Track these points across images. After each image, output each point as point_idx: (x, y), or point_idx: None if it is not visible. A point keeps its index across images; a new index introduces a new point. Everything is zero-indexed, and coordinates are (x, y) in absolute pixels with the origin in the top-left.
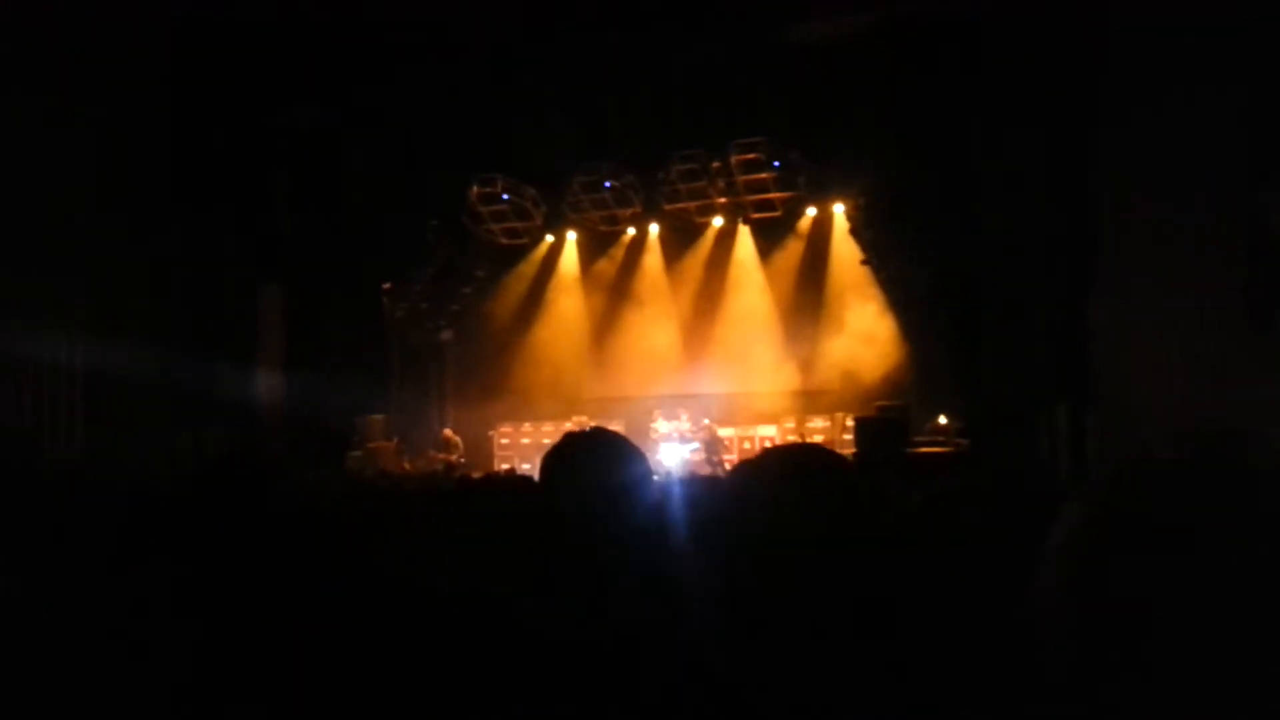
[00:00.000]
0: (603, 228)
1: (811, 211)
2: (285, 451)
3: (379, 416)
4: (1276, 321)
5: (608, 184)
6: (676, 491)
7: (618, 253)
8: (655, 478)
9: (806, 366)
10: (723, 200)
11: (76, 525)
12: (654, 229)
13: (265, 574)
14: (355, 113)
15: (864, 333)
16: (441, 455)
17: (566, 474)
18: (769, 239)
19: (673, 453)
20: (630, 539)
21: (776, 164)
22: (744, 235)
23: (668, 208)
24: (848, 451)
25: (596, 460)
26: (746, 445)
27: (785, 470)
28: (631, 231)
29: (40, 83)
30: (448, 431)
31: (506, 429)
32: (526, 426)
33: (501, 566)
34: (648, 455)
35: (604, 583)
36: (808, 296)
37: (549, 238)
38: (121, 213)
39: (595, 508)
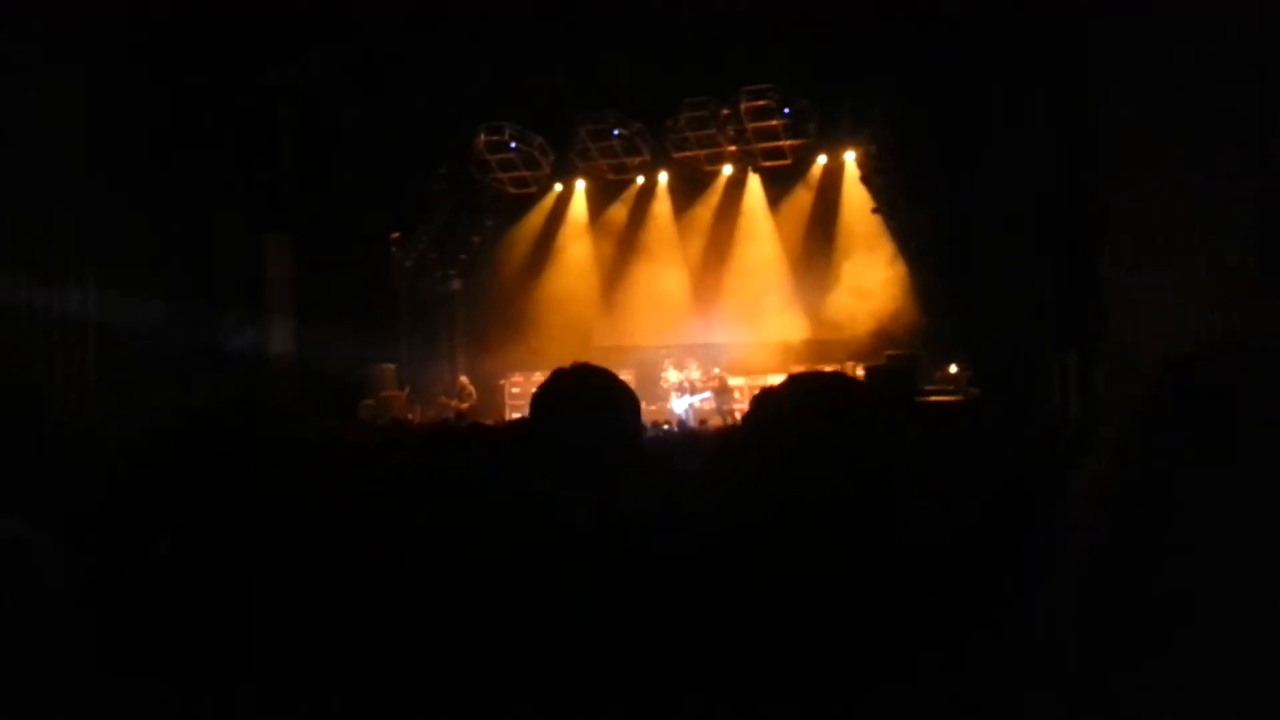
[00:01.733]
0: (611, 176)
1: (822, 159)
2: (297, 401)
3: (390, 366)
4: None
5: (616, 132)
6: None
7: (627, 201)
8: (641, 417)
9: (816, 315)
10: (732, 148)
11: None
12: (663, 177)
13: (265, 514)
14: (361, 62)
15: (874, 281)
16: (454, 402)
17: (553, 410)
18: (779, 187)
19: (683, 402)
20: (615, 476)
21: (786, 111)
22: (753, 183)
23: (676, 156)
24: None
25: (583, 398)
26: (756, 394)
27: (808, 397)
28: (640, 180)
29: (45, 36)
30: (463, 379)
31: (518, 378)
32: (537, 375)
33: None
34: (657, 401)
35: (593, 519)
36: (818, 245)
37: (557, 186)
38: (127, 167)
39: (581, 444)
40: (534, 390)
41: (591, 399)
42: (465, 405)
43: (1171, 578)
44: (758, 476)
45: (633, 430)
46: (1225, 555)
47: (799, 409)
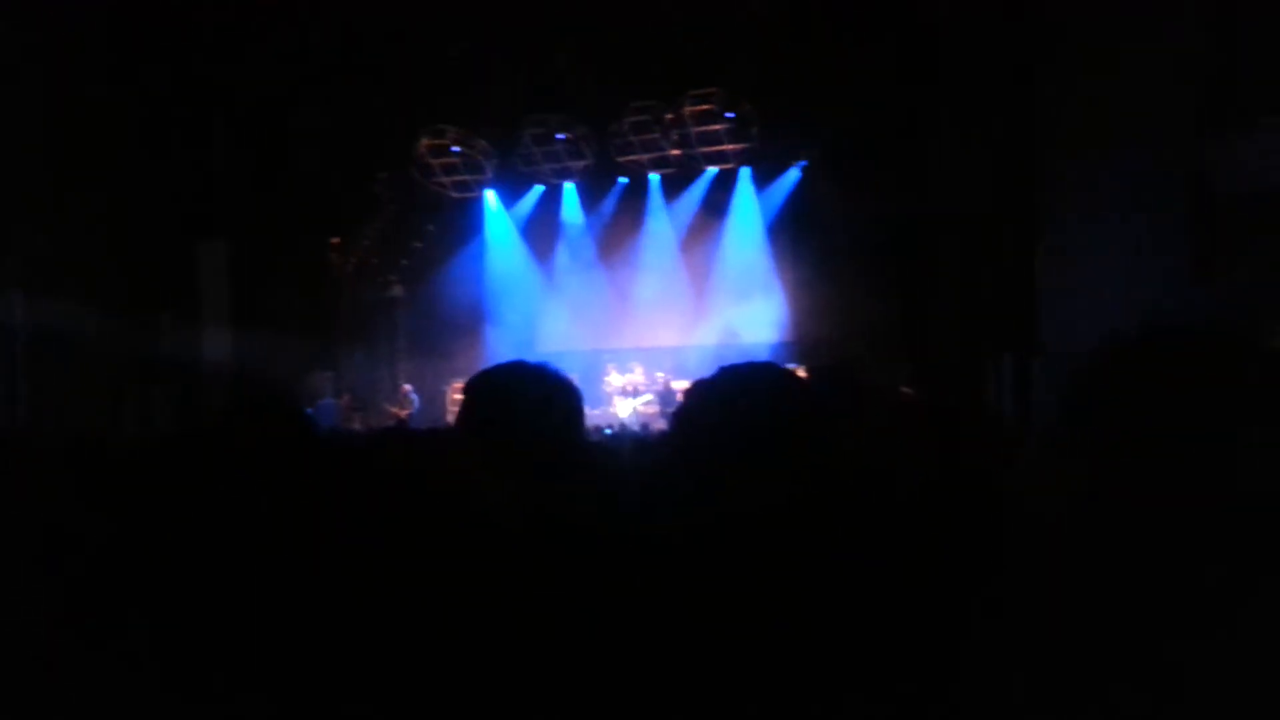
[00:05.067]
0: (552, 180)
1: (764, 162)
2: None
3: (328, 373)
4: (1218, 275)
5: (560, 135)
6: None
7: (570, 205)
8: (582, 412)
9: (759, 318)
10: (676, 152)
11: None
12: (607, 181)
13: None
14: (300, 63)
15: (815, 284)
16: (395, 409)
17: (487, 409)
18: (721, 191)
19: (626, 405)
20: (555, 474)
21: (730, 115)
22: (696, 187)
23: (620, 159)
24: None
25: (518, 393)
26: (688, 387)
27: (740, 387)
28: (580, 184)
29: None
30: (405, 386)
31: (459, 384)
32: None
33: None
34: (600, 405)
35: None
36: (760, 248)
37: (497, 190)
38: (59, 168)
39: (518, 441)
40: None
41: (528, 394)
42: (405, 412)
43: (1113, 571)
44: (693, 471)
45: (574, 426)
46: (1167, 544)
47: (732, 401)
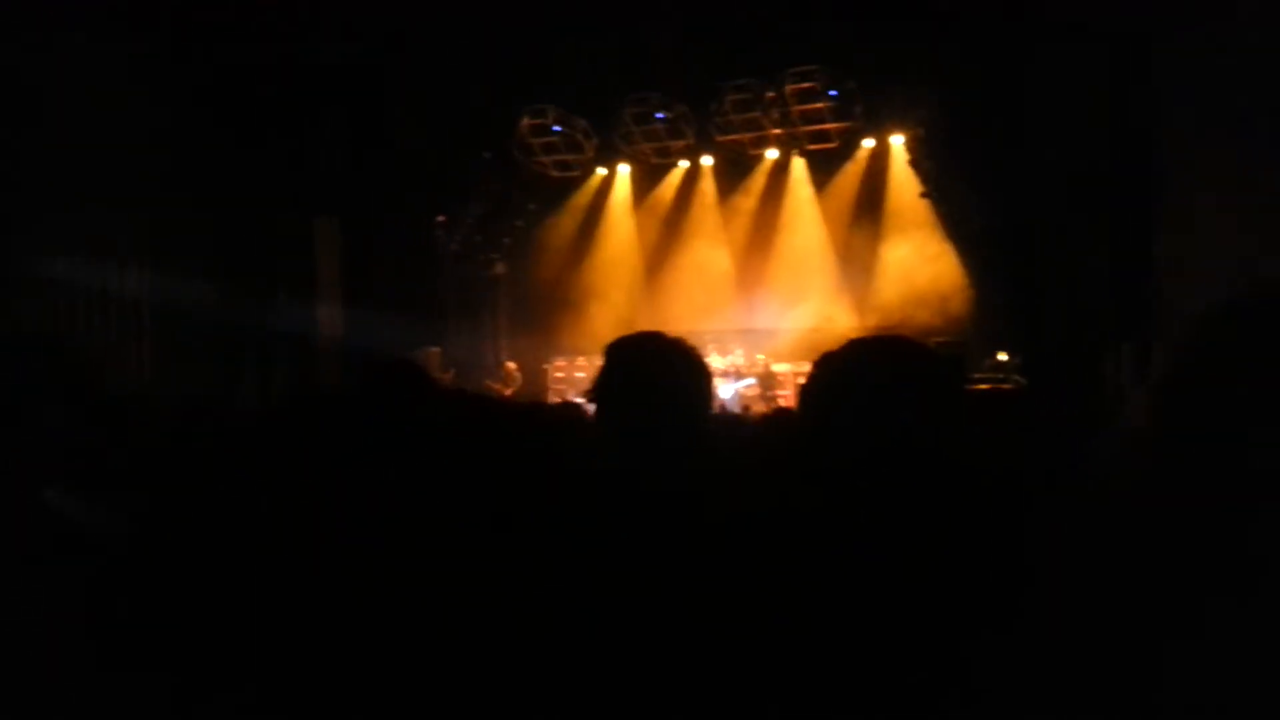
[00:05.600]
0: (654, 160)
1: (869, 143)
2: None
3: (435, 349)
4: None
5: (660, 115)
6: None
7: (670, 185)
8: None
9: (863, 301)
10: (777, 131)
11: (140, 450)
12: (707, 161)
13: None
14: (407, 45)
15: (922, 267)
16: (498, 386)
17: (624, 376)
18: (825, 171)
19: (729, 387)
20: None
21: (833, 93)
22: (799, 167)
23: (720, 139)
24: None
25: (654, 364)
26: (801, 381)
27: (873, 359)
28: (684, 164)
29: (90, 22)
30: (510, 364)
31: (561, 362)
32: (581, 360)
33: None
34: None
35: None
36: (864, 230)
37: (601, 170)
38: (177, 149)
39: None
40: (578, 375)
41: (666, 364)
42: (509, 390)
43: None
44: (826, 439)
45: (705, 400)
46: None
47: (863, 371)
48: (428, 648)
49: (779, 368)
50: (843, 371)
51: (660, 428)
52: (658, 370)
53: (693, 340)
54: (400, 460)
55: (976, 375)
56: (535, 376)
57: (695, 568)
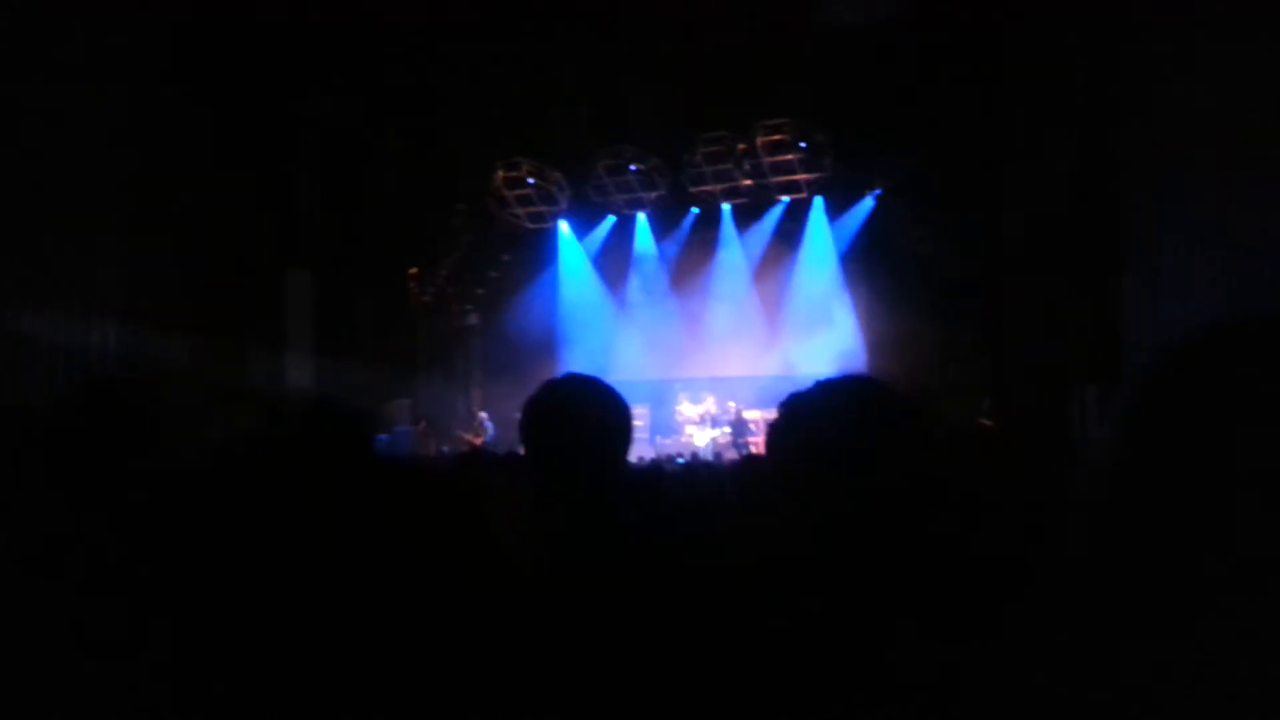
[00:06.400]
0: (626, 211)
1: (838, 193)
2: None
3: (405, 401)
4: None
5: (633, 167)
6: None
7: (643, 235)
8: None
9: (832, 347)
10: (749, 182)
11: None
12: (681, 210)
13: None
14: (381, 98)
15: (890, 313)
16: (469, 436)
17: (544, 421)
18: (794, 220)
19: (704, 435)
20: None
21: (803, 145)
22: (769, 216)
23: (693, 190)
24: None
25: (577, 405)
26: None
27: (841, 400)
28: (651, 213)
29: (68, 71)
30: (481, 414)
31: None
32: None
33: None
34: (672, 434)
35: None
36: (833, 277)
37: (570, 221)
38: (149, 200)
39: (574, 452)
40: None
41: (581, 405)
42: (480, 439)
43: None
44: (793, 484)
45: (624, 438)
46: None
47: (829, 410)
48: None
49: (750, 414)
50: (809, 411)
51: (579, 462)
52: (575, 409)
53: (664, 389)
54: (316, 504)
55: (944, 416)
56: (509, 425)
57: (649, 609)
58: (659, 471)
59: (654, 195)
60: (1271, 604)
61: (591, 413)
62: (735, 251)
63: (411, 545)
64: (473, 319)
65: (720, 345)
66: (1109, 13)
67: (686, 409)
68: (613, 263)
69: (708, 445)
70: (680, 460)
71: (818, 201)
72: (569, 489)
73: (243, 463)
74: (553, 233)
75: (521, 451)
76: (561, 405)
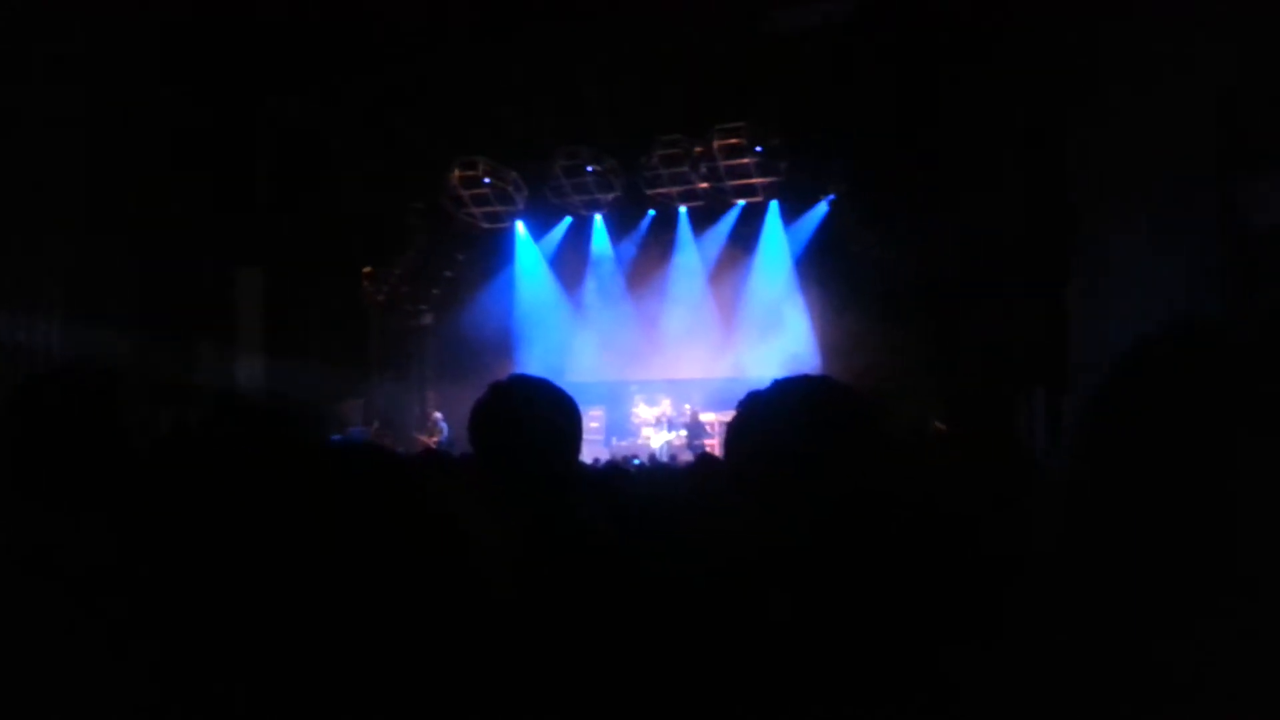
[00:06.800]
0: (583, 211)
1: (793, 197)
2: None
3: (358, 401)
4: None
5: (590, 168)
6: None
7: (599, 236)
8: (580, 427)
9: (787, 350)
10: (704, 185)
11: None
12: (638, 212)
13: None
14: (336, 97)
15: (846, 318)
16: (423, 437)
17: (492, 423)
18: (749, 223)
19: (659, 438)
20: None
21: (759, 149)
22: (725, 220)
23: (649, 192)
24: None
25: (524, 407)
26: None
27: (795, 398)
28: (607, 215)
29: (20, 70)
30: (436, 414)
31: None
32: None
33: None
34: (628, 437)
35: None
36: (787, 280)
37: (526, 221)
38: (99, 195)
39: (522, 456)
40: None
41: (528, 407)
42: (434, 440)
43: (1121, 596)
44: (751, 485)
45: (573, 440)
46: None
47: (789, 414)
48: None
49: (706, 417)
50: (766, 411)
51: (528, 464)
52: (522, 410)
53: (620, 390)
54: (237, 503)
55: (900, 417)
56: (464, 426)
57: (610, 611)
58: (616, 472)
59: (611, 197)
60: (1232, 611)
61: (539, 414)
62: (691, 254)
63: (361, 546)
64: (428, 319)
65: (676, 347)
66: (1061, 22)
67: (642, 411)
68: (569, 264)
69: (663, 447)
70: (637, 462)
71: (773, 205)
72: (519, 490)
73: (179, 458)
74: (509, 233)
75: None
76: (509, 407)
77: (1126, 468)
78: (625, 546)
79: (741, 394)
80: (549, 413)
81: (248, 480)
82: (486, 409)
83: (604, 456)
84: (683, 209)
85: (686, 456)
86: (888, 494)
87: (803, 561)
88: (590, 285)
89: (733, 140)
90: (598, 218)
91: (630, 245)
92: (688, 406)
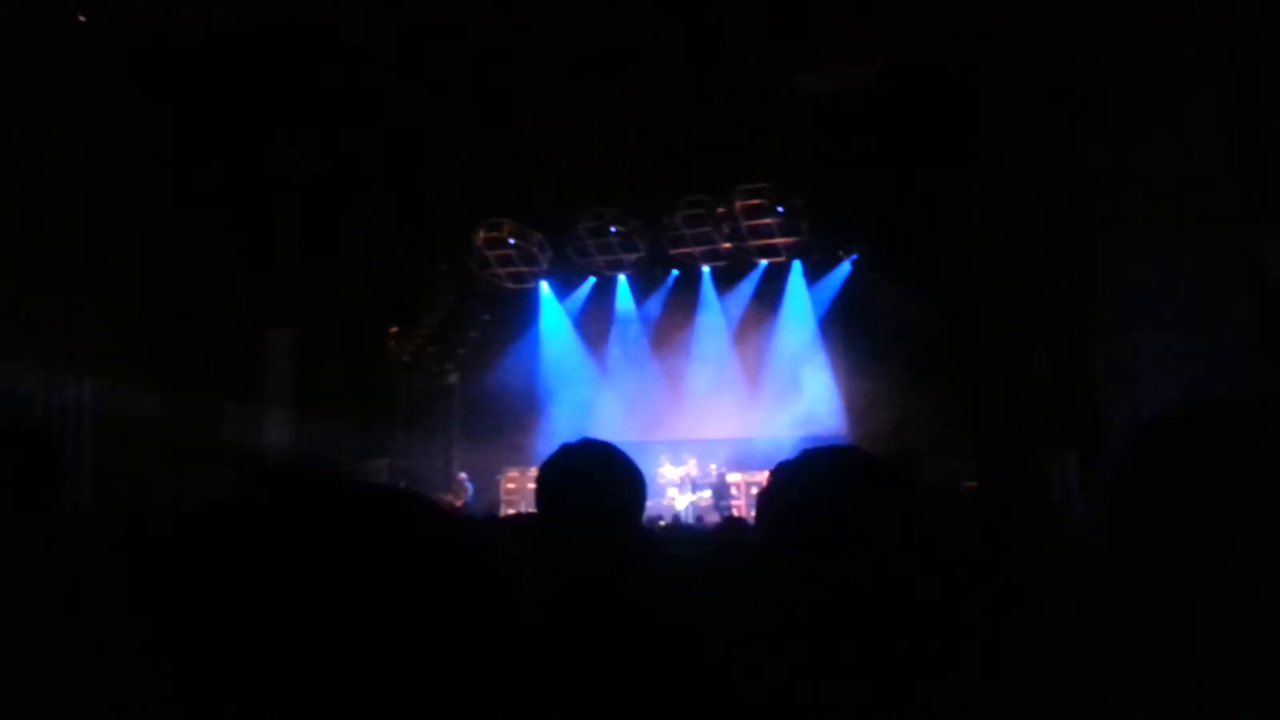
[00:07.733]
0: (607, 272)
1: (816, 257)
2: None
3: (384, 461)
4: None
5: (613, 229)
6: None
7: (623, 296)
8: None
9: (814, 410)
10: (727, 245)
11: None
12: (661, 272)
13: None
14: (363, 157)
15: (871, 377)
16: (449, 498)
17: (560, 485)
18: (772, 283)
19: (684, 499)
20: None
21: (780, 209)
22: (749, 279)
23: (673, 253)
24: None
25: (592, 471)
26: (754, 491)
27: (825, 470)
28: (630, 275)
29: (47, 126)
30: (461, 475)
31: (513, 473)
32: (533, 471)
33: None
34: (652, 497)
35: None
36: (812, 339)
37: (551, 282)
38: (129, 255)
39: (590, 519)
40: (530, 486)
41: (599, 472)
42: (460, 501)
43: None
44: (784, 551)
45: (637, 508)
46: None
47: (819, 481)
48: None
49: (732, 477)
50: (797, 481)
51: (594, 530)
52: (593, 475)
53: (645, 450)
54: (283, 571)
55: (929, 480)
56: (489, 487)
57: (646, 679)
58: (646, 534)
59: (634, 257)
60: (1251, 671)
61: (608, 477)
62: (715, 314)
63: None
64: (453, 378)
65: (700, 407)
66: (1083, 84)
67: (668, 471)
68: (593, 323)
69: (688, 508)
70: (663, 523)
71: (796, 265)
72: (582, 553)
73: (213, 529)
74: (534, 293)
75: (508, 513)
76: (577, 470)
77: (1148, 539)
78: (668, 608)
79: (766, 453)
80: (620, 475)
81: (319, 553)
82: (554, 470)
83: None
84: (706, 269)
85: (713, 517)
86: (919, 557)
87: (833, 625)
88: (614, 345)
89: (755, 201)
90: (622, 278)
91: (654, 305)
92: (714, 466)
